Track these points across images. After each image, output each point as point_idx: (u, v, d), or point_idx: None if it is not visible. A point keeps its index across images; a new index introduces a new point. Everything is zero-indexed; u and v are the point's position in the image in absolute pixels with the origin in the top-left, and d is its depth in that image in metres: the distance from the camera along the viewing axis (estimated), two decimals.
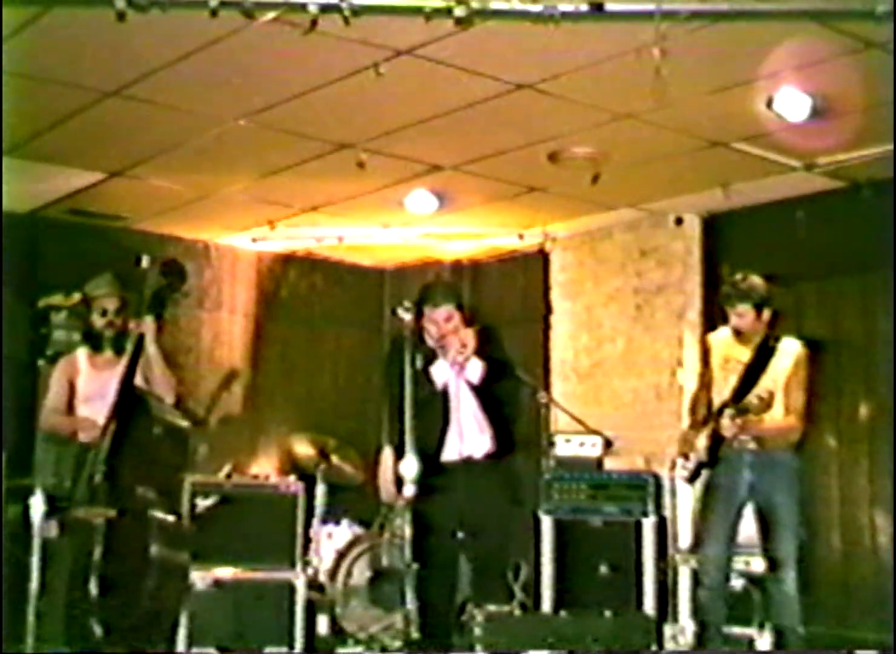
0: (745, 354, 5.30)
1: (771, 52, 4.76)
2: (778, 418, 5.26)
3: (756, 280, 5.27)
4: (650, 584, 6.48)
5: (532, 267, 8.51)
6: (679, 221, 7.60)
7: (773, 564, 5.26)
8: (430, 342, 5.27)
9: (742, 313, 5.26)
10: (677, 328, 7.50)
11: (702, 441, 5.28)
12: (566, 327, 8.23)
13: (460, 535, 5.22)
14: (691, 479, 5.40)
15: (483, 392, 5.34)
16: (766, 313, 5.27)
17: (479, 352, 5.27)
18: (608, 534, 6.68)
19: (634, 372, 7.75)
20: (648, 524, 6.61)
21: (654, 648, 5.90)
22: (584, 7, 3.69)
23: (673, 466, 5.50)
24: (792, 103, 5.37)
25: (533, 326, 8.30)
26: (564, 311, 8.26)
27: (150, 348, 5.25)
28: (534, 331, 8.28)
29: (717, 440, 5.24)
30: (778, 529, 5.24)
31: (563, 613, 6.05)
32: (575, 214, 7.74)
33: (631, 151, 6.29)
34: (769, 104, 5.43)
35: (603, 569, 6.58)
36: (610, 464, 7.14)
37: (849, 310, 6.87)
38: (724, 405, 5.22)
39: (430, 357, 5.22)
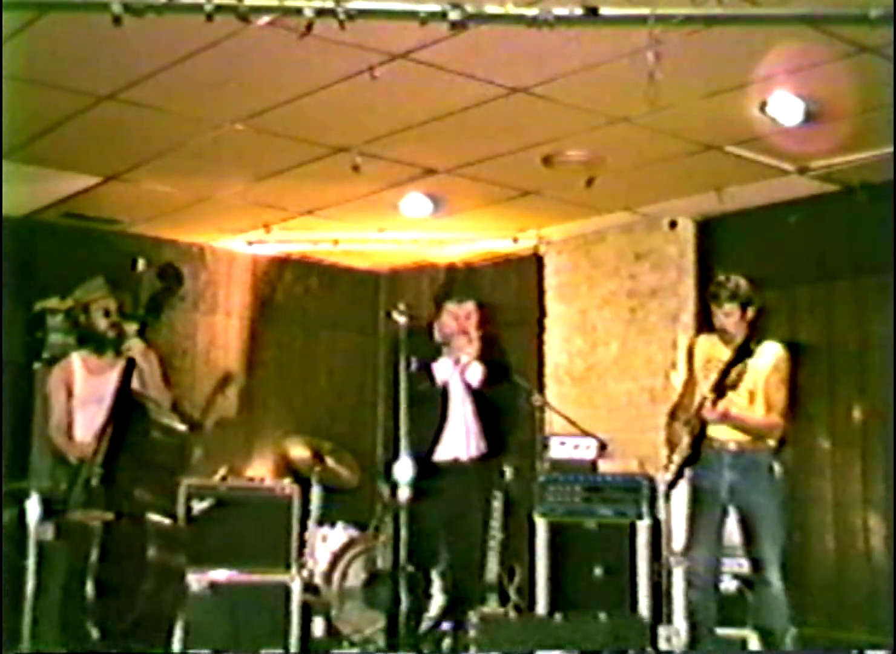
0: (726, 353, 5.36)
1: (764, 56, 4.78)
2: (759, 415, 5.34)
3: (741, 280, 5.37)
4: (644, 586, 6.49)
5: (526, 270, 8.50)
6: (673, 225, 7.61)
7: (757, 565, 5.30)
8: (438, 338, 5.33)
9: (729, 312, 5.36)
10: (671, 331, 7.50)
11: (684, 439, 5.34)
12: (560, 330, 8.23)
13: (451, 537, 5.26)
14: (674, 480, 5.43)
15: (479, 395, 5.39)
16: (751, 313, 5.37)
17: (481, 356, 5.33)
18: (602, 536, 6.68)
19: (628, 375, 7.76)
20: (643, 527, 6.62)
21: (648, 649, 5.90)
22: (579, 11, 3.70)
23: (667, 467, 5.52)
24: (785, 107, 5.39)
25: (527, 329, 8.30)
26: (559, 314, 8.26)
27: (144, 365, 5.25)
28: (528, 334, 8.28)
29: (698, 437, 5.30)
30: (759, 530, 5.27)
31: (557, 615, 6.04)
32: (569, 218, 7.75)
33: (625, 155, 6.30)
34: (763, 108, 5.44)
35: (597, 571, 6.59)
36: (604, 466, 7.14)
37: (842, 313, 6.88)
38: (705, 399, 5.28)
39: (435, 353, 5.28)
